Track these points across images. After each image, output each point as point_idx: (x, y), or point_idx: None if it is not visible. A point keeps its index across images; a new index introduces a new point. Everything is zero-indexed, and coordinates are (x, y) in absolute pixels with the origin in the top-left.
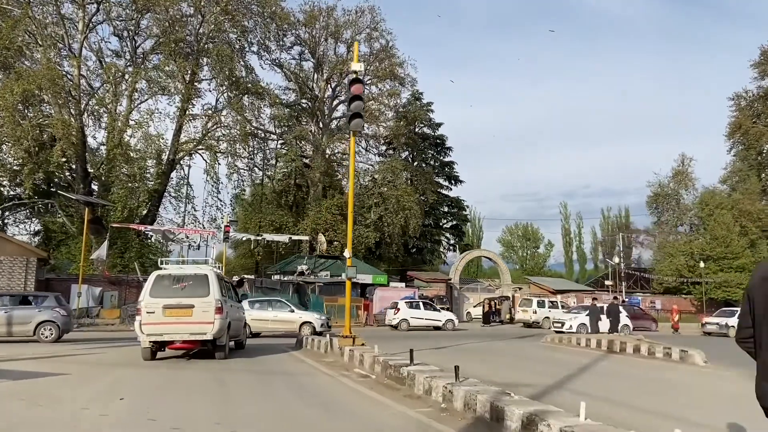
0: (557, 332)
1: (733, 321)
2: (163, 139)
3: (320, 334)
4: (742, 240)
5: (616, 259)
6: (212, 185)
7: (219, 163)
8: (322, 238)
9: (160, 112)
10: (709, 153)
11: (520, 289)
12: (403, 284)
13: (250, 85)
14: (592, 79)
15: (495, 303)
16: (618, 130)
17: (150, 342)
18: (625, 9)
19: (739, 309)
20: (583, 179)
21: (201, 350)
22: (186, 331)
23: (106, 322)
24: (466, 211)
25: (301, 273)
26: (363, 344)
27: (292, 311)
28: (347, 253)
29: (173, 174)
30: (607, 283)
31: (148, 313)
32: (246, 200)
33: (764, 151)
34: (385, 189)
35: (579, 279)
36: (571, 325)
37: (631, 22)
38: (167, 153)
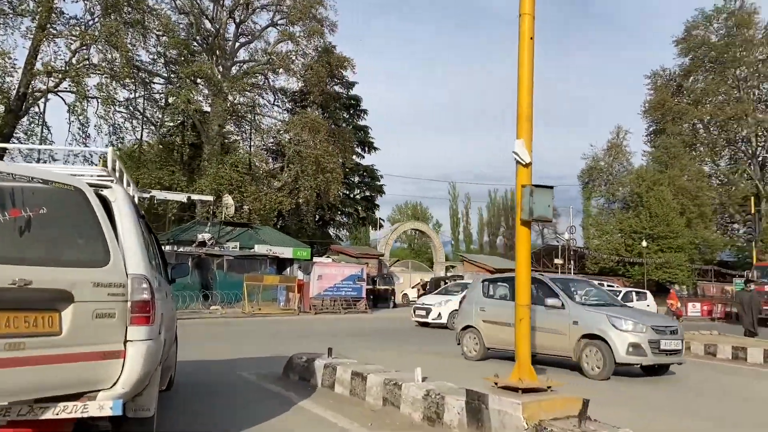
0: (421, 323)
1: None
2: (9, 59)
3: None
4: (681, 219)
5: (567, 235)
6: (80, 130)
7: (89, 102)
8: (229, 200)
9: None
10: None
11: (453, 267)
12: (327, 258)
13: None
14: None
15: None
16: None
17: None
18: None
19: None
20: (476, 162)
21: None
22: (24, 390)
23: None
24: (380, 181)
25: (203, 243)
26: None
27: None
28: (525, 157)
29: (25, 118)
30: (556, 261)
31: None
32: (124, 152)
33: (687, 128)
34: (302, 147)
35: None
36: (439, 313)
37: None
38: (16, 86)
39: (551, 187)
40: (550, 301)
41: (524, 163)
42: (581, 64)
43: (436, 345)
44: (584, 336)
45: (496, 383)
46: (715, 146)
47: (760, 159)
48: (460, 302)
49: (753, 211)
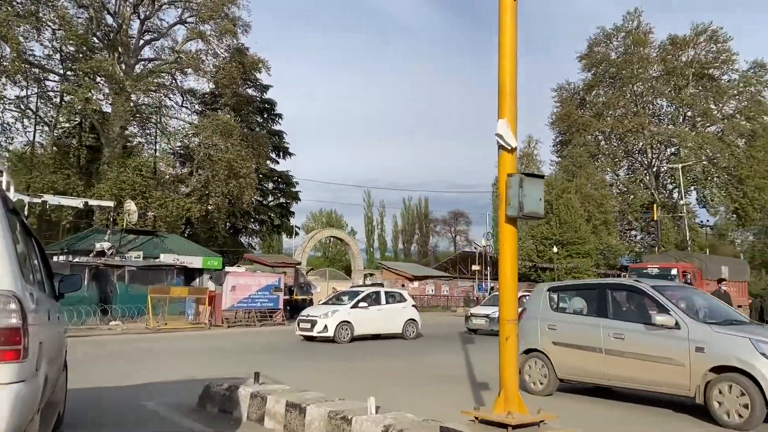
0: (307, 338)
1: None
2: None
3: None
4: (588, 225)
5: (484, 242)
6: None
7: None
8: (132, 206)
9: None
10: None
11: (371, 275)
12: (240, 268)
13: None
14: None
15: None
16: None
17: None
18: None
19: None
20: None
21: None
22: None
23: None
24: (295, 188)
25: (102, 253)
26: None
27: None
28: (511, 140)
29: None
30: (474, 267)
31: None
32: (13, 153)
33: (591, 139)
34: (213, 151)
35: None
36: (325, 326)
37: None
38: None
39: (542, 177)
40: (659, 318)
41: (509, 147)
42: (489, 74)
43: (378, 358)
44: (715, 368)
45: (476, 417)
46: (615, 157)
47: (654, 169)
48: (521, 315)
49: (656, 218)
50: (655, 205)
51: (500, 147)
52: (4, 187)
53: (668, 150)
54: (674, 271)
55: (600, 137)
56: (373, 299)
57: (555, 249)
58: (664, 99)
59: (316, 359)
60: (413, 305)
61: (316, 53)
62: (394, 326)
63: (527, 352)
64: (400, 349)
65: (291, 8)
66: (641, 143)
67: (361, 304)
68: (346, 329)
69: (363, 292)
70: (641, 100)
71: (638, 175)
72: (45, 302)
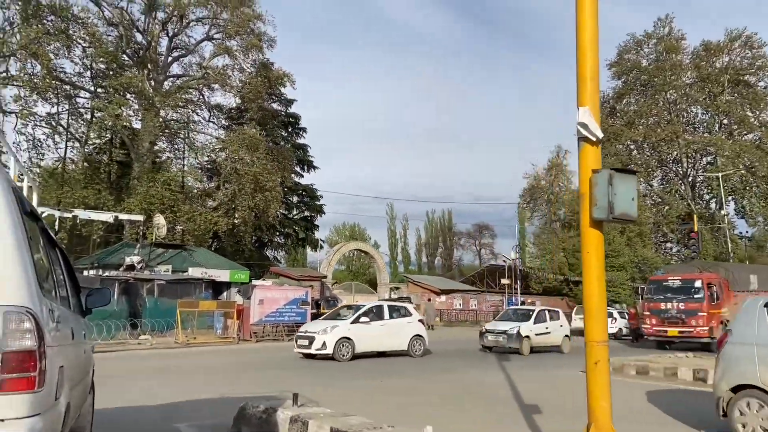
0: (306, 355)
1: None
2: None
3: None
4: (622, 237)
5: (513, 255)
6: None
7: (5, 116)
8: (161, 220)
9: None
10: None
11: (397, 288)
12: (267, 281)
13: (55, 8)
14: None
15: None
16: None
17: None
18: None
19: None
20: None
21: None
22: None
23: None
24: (319, 200)
25: (131, 267)
26: None
27: None
28: (596, 130)
29: None
30: (504, 281)
31: None
32: (45, 169)
33: (622, 149)
34: (240, 165)
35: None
36: (324, 342)
37: (446, 41)
38: None
39: (635, 173)
40: None
41: (594, 138)
42: (516, 85)
43: (425, 375)
44: None
45: None
46: (648, 167)
47: (690, 179)
48: (723, 340)
49: (696, 229)
50: (695, 216)
51: (582, 139)
52: (26, 195)
53: (704, 159)
54: (698, 283)
55: (632, 147)
56: (376, 314)
57: None
58: (699, 106)
59: (341, 377)
60: (420, 319)
61: (337, 66)
62: (399, 342)
63: (738, 389)
64: (414, 366)
65: (311, 22)
66: (676, 152)
67: (363, 318)
68: (347, 346)
69: (365, 306)
70: (675, 107)
71: (673, 185)
72: (69, 319)
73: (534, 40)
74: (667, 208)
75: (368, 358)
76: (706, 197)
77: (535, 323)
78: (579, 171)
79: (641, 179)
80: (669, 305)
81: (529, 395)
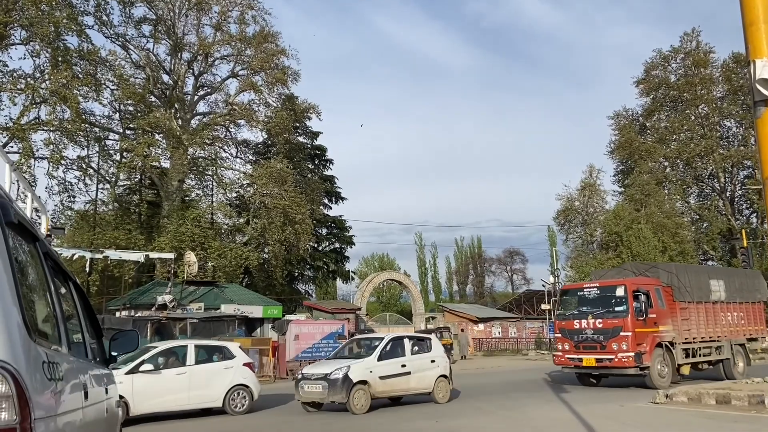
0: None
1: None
2: None
3: None
4: (663, 257)
5: (552, 279)
6: (23, 191)
7: (36, 159)
8: (192, 257)
9: None
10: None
11: (433, 318)
12: (300, 316)
13: (83, 53)
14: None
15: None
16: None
17: None
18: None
19: None
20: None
21: None
22: None
23: None
24: (348, 232)
25: (163, 306)
26: None
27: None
28: None
29: None
30: (544, 307)
31: None
32: (76, 212)
33: (656, 166)
34: (268, 199)
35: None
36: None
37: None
38: None
39: None
40: None
41: None
42: (541, 110)
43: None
44: None
45: None
46: (684, 183)
47: (728, 194)
48: None
49: (746, 245)
50: (744, 231)
51: (760, 102)
52: (44, 230)
53: (741, 173)
54: (620, 291)
55: (665, 163)
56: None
57: None
58: (732, 119)
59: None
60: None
61: (361, 98)
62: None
63: None
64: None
65: (335, 56)
66: (711, 167)
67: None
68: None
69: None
70: (707, 122)
71: (711, 200)
72: (81, 372)
73: (550, 65)
74: (706, 224)
75: (385, 406)
76: (746, 212)
77: (380, 359)
78: (759, 139)
79: (677, 196)
80: (584, 323)
81: None
